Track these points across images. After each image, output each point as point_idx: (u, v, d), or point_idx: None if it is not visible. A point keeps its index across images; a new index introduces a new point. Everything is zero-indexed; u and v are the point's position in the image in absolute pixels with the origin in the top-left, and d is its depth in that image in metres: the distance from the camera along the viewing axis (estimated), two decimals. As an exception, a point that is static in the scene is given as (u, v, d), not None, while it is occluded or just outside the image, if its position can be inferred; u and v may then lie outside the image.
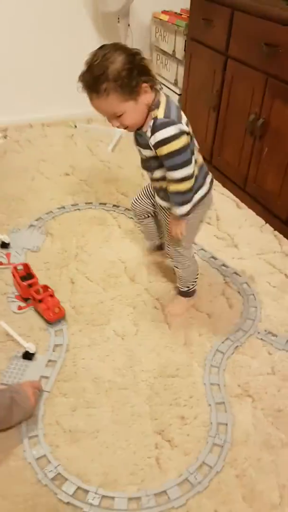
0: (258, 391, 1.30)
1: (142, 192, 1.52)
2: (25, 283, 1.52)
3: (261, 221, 2.03)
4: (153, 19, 2.76)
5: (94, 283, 1.66)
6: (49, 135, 2.74)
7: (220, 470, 1.11)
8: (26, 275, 1.57)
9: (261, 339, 1.45)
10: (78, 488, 1.07)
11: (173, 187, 1.20)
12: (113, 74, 1.08)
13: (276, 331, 1.48)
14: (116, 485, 1.08)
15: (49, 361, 1.36)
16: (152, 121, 1.14)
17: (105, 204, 2.10)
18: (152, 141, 1.15)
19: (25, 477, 1.09)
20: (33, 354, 1.36)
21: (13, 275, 1.58)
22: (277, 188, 1.90)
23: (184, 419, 1.22)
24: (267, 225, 2.00)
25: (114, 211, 2.05)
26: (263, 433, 1.19)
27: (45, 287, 1.52)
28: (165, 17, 2.59)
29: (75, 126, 2.84)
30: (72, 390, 1.28)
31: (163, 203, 1.33)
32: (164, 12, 2.66)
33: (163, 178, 1.25)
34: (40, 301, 1.47)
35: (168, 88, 2.70)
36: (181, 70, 2.53)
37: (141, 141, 1.25)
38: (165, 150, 1.14)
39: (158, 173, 1.26)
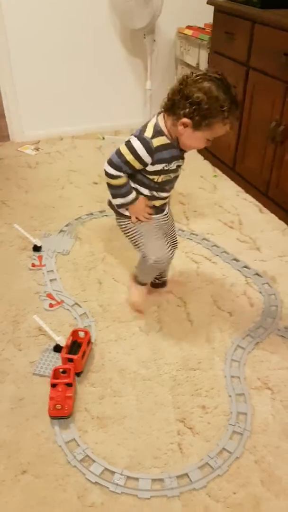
0: (278, 384, 1.34)
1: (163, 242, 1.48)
2: (65, 356, 1.35)
3: (283, 225, 2.08)
4: (177, 34, 2.88)
5: (120, 283, 1.75)
6: (79, 147, 2.88)
7: (240, 456, 1.16)
8: (79, 344, 1.40)
9: (281, 335, 1.50)
10: (105, 469, 1.14)
11: None
12: None
13: (296, 328, 1.53)
14: (141, 468, 1.15)
15: (78, 354, 1.45)
16: None
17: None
18: None
19: (56, 459, 1.17)
20: (63, 347, 1.45)
21: (68, 337, 1.42)
22: (298, 193, 1.95)
23: (205, 408, 1.28)
24: (289, 228, 2.05)
25: (140, 216, 2.14)
26: (282, 423, 1.24)
27: (69, 370, 1.31)
28: (189, 32, 2.70)
29: (103, 138, 2.96)
30: (100, 381, 1.36)
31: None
32: (188, 27, 2.77)
33: None
34: (54, 385, 1.27)
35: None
36: (205, 82, 2.61)
37: (183, 154, 1.31)
38: None
39: None
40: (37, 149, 2.82)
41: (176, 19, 2.82)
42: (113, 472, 1.14)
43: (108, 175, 1.29)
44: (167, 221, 1.49)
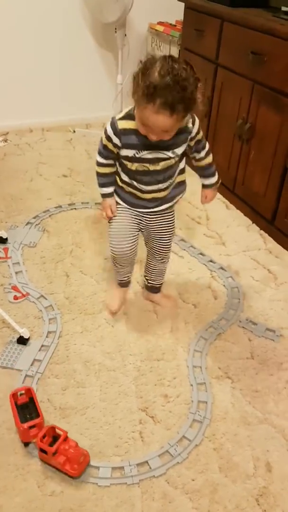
0: (237, 373, 1.38)
1: (126, 232, 1.43)
2: (25, 425, 1.12)
3: (248, 221, 2.13)
4: (149, 29, 2.89)
5: (88, 276, 1.75)
6: (49, 139, 2.85)
7: (199, 443, 1.19)
8: (27, 403, 1.21)
9: (243, 327, 1.54)
10: (66, 458, 1.15)
11: (209, 159, 1.41)
12: (189, 96, 1.06)
13: (256, 320, 1.57)
14: (102, 456, 1.16)
15: (43, 346, 1.44)
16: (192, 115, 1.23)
17: (101, 204, 2.19)
18: (196, 127, 1.26)
19: (16, 449, 1.16)
20: (27, 339, 1.44)
21: (11, 404, 1.19)
22: (262, 190, 1.99)
23: (167, 397, 1.30)
24: (254, 224, 2.10)
25: (109, 210, 2.14)
26: (241, 411, 1.28)
27: (52, 429, 1.13)
28: (160, 28, 2.72)
29: (74, 131, 2.95)
30: (64, 372, 1.37)
31: (168, 204, 1.40)
32: (160, 23, 2.79)
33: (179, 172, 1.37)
34: (55, 452, 1.10)
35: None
36: (175, 78, 2.63)
37: (169, 144, 1.21)
38: (201, 131, 1.30)
39: (175, 174, 1.35)
40: (5, 140, 2.78)
41: (147, 15, 2.83)
42: (74, 461, 1.15)
43: (96, 162, 1.35)
44: (150, 223, 1.41)
